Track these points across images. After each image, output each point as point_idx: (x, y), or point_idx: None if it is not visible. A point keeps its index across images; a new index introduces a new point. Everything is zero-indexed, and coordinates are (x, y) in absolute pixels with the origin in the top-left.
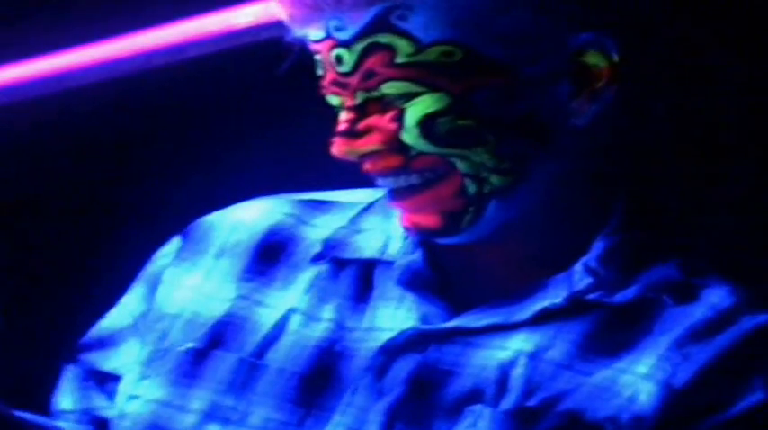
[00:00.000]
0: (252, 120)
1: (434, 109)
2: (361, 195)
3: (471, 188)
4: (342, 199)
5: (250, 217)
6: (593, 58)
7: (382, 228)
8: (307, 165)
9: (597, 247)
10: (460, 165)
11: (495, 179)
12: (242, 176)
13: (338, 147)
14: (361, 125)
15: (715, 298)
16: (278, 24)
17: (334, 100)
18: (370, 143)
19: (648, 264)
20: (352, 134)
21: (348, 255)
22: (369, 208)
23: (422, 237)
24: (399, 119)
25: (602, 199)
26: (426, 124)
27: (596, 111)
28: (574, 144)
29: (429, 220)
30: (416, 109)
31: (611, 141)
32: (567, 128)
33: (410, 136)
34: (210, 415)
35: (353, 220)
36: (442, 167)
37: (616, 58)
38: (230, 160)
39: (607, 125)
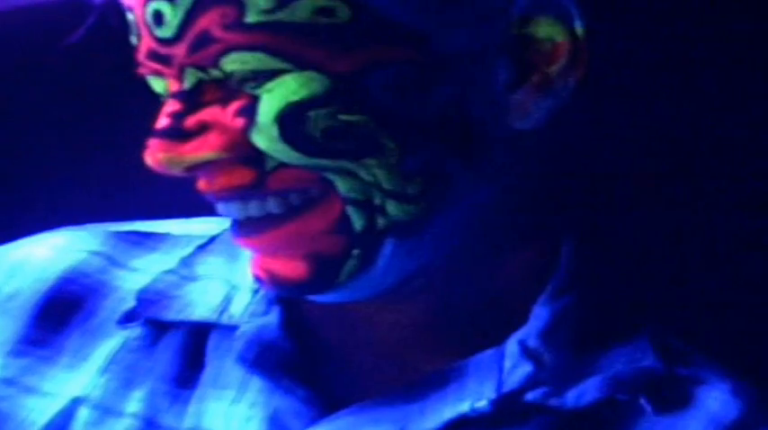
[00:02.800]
0: (45, 112)
1: (303, 96)
2: (202, 226)
3: (358, 221)
4: (175, 230)
5: (39, 256)
6: (544, 29)
7: (225, 276)
8: (124, 180)
9: (539, 316)
10: (342, 186)
11: (393, 208)
12: (36, 195)
13: (155, 154)
14: (191, 121)
15: (714, 404)
16: None
17: (156, 84)
18: (203, 149)
19: (612, 341)
20: (175, 134)
21: (172, 315)
22: (208, 244)
23: (280, 293)
24: (249, 111)
25: (546, 240)
26: (290, 120)
27: (548, 109)
28: (511, 157)
29: (291, 268)
30: (275, 96)
31: (564, 155)
32: (503, 132)
33: (265, 138)
34: None
35: (185, 262)
36: (313, 188)
37: (580, 28)
38: (17, 173)
39: (562, 130)
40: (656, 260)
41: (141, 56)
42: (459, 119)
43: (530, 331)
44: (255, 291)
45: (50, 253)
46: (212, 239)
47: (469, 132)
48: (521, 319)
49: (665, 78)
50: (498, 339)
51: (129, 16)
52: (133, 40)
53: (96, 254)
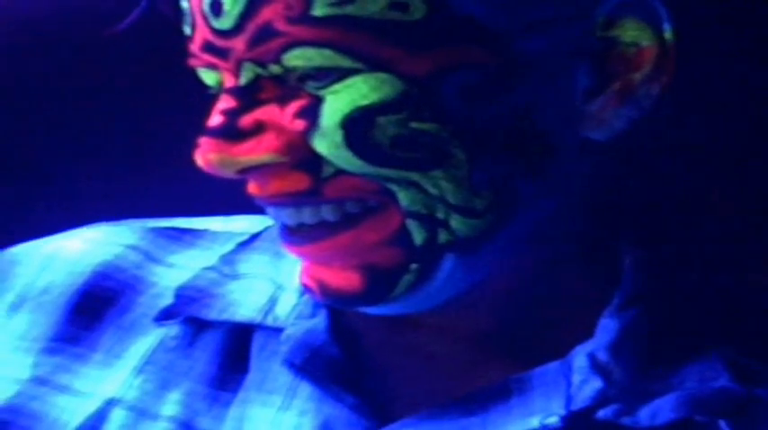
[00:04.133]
0: (88, 106)
1: (374, 100)
2: (243, 223)
3: (418, 235)
4: (215, 227)
5: (73, 250)
6: (630, 32)
7: (269, 275)
8: (170, 179)
9: (606, 328)
10: (404, 199)
11: (457, 223)
12: (76, 190)
13: (206, 155)
14: (246, 120)
15: None
16: None
17: (209, 76)
18: (258, 150)
19: (682, 358)
20: (229, 134)
21: (214, 314)
22: (251, 241)
23: (331, 304)
24: (311, 113)
25: (607, 251)
26: (357, 125)
27: (627, 120)
28: (579, 168)
29: (344, 279)
30: (343, 98)
31: (631, 164)
32: (575, 143)
33: (327, 143)
34: None
35: (226, 259)
36: (373, 199)
37: (669, 32)
38: (57, 169)
39: (636, 141)
40: (724, 274)
41: (195, 47)
42: (531, 128)
43: (598, 344)
44: (302, 292)
45: (85, 246)
46: (254, 237)
47: (541, 143)
48: (583, 332)
49: (747, 87)
50: (559, 352)
51: (184, 4)
52: (187, 30)
53: (133, 248)
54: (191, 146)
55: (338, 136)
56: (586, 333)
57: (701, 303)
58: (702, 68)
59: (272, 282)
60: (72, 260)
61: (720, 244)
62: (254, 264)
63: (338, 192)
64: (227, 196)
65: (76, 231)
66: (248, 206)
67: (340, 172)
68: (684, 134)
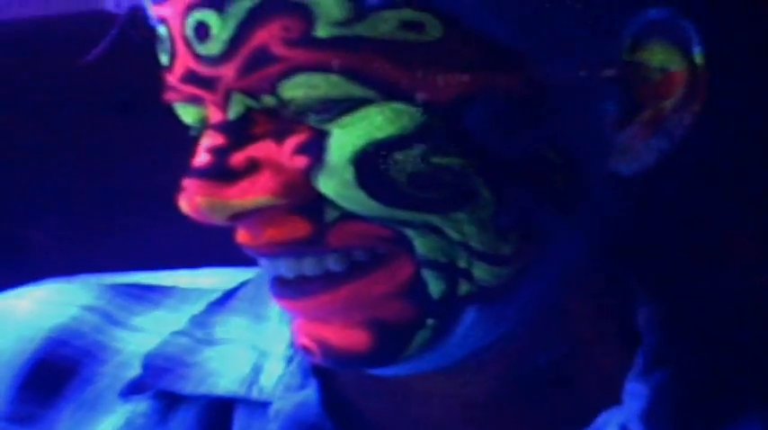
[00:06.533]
0: (46, 143)
1: (390, 133)
2: (213, 279)
3: (435, 287)
4: (182, 283)
5: (22, 310)
6: (658, 56)
7: (250, 340)
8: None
9: (635, 394)
10: (422, 246)
11: (481, 272)
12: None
13: (193, 199)
14: (238, 158)
15: None
16: None
17: (188, 113)
18: (253, 193)
19: (721, 420)
20: (219, 174)
21: (190, 387)
22: (225, 300)
23: (334, 366)
24: (314, 149)
25: (623, 301)
26: (371, 162)
27: (659, 152)
28: (605, 207)
29: (349, 337)
30: (354, 132)
31: (655, 204)
32: (604, 177)
33: (335, 182)
34: None
35: (198, 322)
36: (382, 247)
37: (699, 55)
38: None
39: (664, 176)
40: (754, 327)
41: (175, 78)
42: (558, 161)
43: (630, 413)
44: (289, 360)
45: (35, 307)
46: (229, 295)
47: (570, 177)
48: (605, 394)
49: None
50: (582, 417)
51: (161, 30)
52: (163, 59)
53: (90, 309)
54: (152, 193)
55: (349, 174)
56: (608, 396)
57: (734, 360)
58: (733, 97)
59: (253, 348)
60: (22, 324)
61: (748, 295)
62: (231, 327)
63: (343, 239)
64: (192, 245)
65: (24, 290)
66: (222, 257)
67: (346, 216)
68: (711, 173)
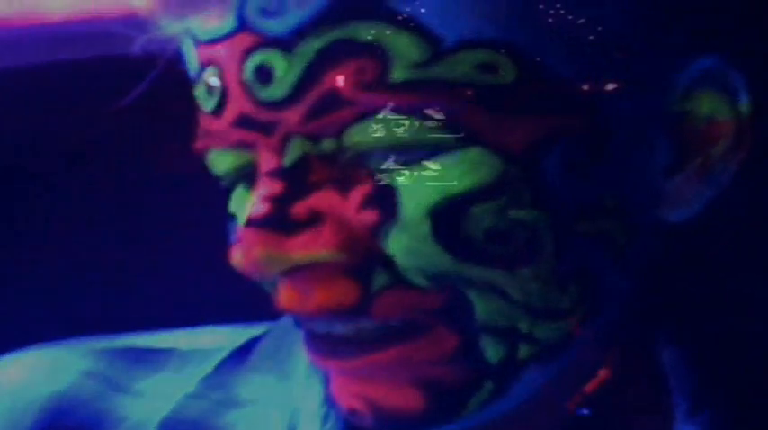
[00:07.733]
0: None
1: (469, 185)
2: (210, 338)
3: (494, 352)
4: (181, 345)
5: (10, 383)
6: (707, 105)
7: (280, 399)
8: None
9: None
10: (483, 310)
11: (543, 331)
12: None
13: (251, 250)
14: (300, 208)
15: None
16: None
17: (228, 160)
18: (314, 245)
19: None
20: (280, 225)
21: None
22: (240, 359)
23: (386, 426)
24: (384, 202)
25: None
26: (448, 215)
27: (706, 199)
28: (651, 254)
29: (401, 397)
30: (427, 184)
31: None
32: (653, 224)
33: (408, 237)
34: None
35: (211, 383)
36: (422, 318)
37: (745, 104)
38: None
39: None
40: None
41: (224, 124)
42: (614, 206)
43: None
44: (324, 417)
45: (26, 375)
46: (241, 353)
47: (623, 223)
48: None
49: None
50: None
51: (209, 74)
52: (207, 104)
53: (89, 374)
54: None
55: (425, 228)
56: None
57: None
58: None
59: (285, 407)
60: (11, 394)
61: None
62: (256, 387)
63: (388, 309)
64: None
65: (7, 358)
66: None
67: (396, 283)
68: (745, 220)
